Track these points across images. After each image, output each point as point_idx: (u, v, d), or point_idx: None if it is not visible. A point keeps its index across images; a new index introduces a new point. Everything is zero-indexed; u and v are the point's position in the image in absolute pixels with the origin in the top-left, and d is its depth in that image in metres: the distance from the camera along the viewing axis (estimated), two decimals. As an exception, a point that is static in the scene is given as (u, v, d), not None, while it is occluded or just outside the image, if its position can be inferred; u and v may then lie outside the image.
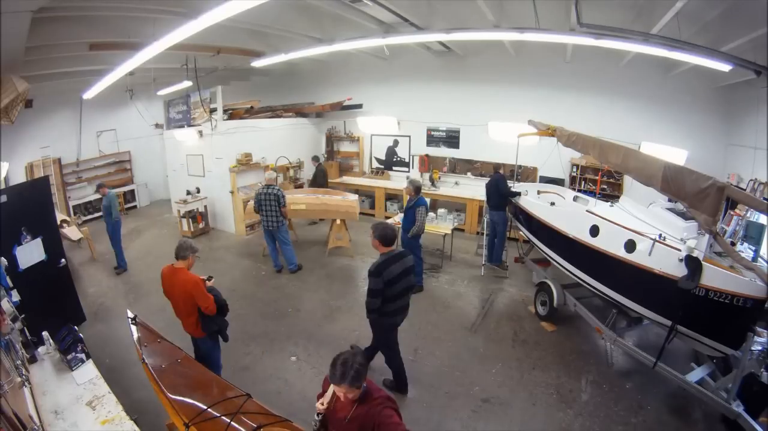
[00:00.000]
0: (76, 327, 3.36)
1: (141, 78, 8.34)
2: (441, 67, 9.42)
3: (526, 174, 8.83)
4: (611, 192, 8.13)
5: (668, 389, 4.12)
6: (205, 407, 2.50)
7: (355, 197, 8.26)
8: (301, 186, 10.74)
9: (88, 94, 8.83)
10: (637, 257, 3.90)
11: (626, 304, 4.20)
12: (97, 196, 9.34)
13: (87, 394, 2.83)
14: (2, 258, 3.74)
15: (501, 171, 7.01)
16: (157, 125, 11.23)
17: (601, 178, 8.24)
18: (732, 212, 5.62)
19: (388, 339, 4.06)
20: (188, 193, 9.31)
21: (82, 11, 5.06)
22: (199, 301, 3.43)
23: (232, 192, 8.96)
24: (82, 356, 3.15)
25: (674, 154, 7.13)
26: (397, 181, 10.64)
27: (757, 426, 3.18)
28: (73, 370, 3.07)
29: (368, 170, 11.30)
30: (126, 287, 6.61)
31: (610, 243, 4.21)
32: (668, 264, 3.60)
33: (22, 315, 3.26)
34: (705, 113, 7.32)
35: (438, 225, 7.43)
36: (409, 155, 10.61)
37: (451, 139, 9.96)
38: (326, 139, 11.72)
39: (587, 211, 4.93)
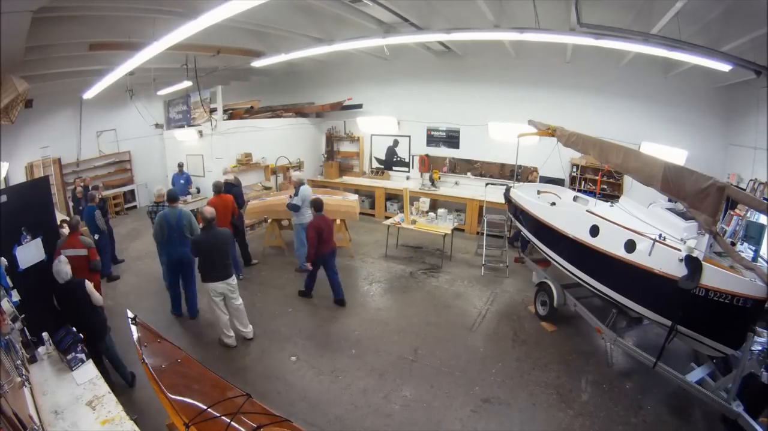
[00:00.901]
0: (74, 328, 3.36)
1: (141, 78, 8.34)
2: (441, 67, 9.42)
3: (526, 174, 8.83)
4: (611, 192, 8.13)
5: (668, 389, 4.11)
6: (205, 407, 2.50)
7: (355, 197, 8.27)
8: (300, 186, 10.73)
9: (88, 94, 8.84)
10: (637, 257, 3.90)
11: (626, 304, 4.20)
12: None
13: (87, 394, 2.83)
14: (2, 258, 3.74)
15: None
16: (157, 125, 11.23)
17: (601, 178, 8.24)
18: (732, 212, 5.62)
19: None
20: (188, 193, 9.30)
21: (82, 11, 5.06)
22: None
23: (232, 192, 8.95)
24: (82, 356, 3.15)
25: (674, 154, 7.13)
26: (397, 181, 10.64)
27: (757, 426, 3.18)
28: (73, 370, 3.07)
29: (368, 170, 11.30)
30: (126, 288, 6.60)
31: (610, 243, 4.21)
32: (668, 264, 3.60)
33: (22, 315, 3.25)
34: (705, 113, 7.32)
35: (438, 225, 7.43)
36: (409, 155, 10.62)
37: (451, 139, 9.96)
38: (326, 139, 11.73)
39: (587, 211, 4.92)
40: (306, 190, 6.85)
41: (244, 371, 4.44)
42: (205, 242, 4.71)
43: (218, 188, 6.45)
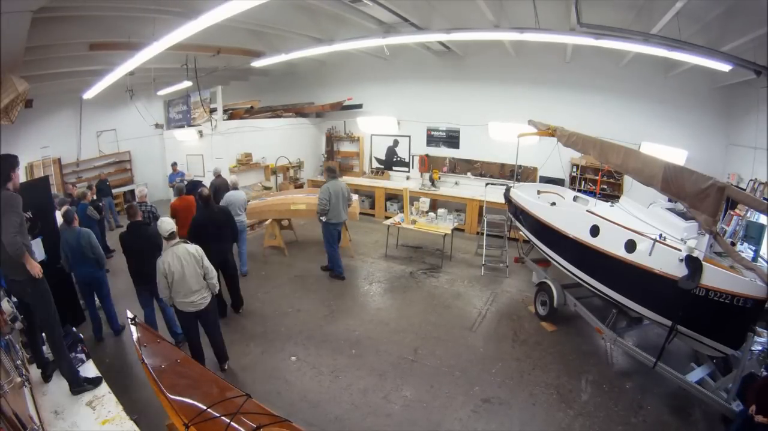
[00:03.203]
0: (74, 328, 3.36)
1: (141, 78, 8.34)
2: (441, 67, 9.42)
3: (526, 174, 8.83)
4: (611, 192, 8.13)
5: (668, 389, 4.11)
6: (205, 407, 2.50)
7: (355, 197, 8.26)
8: (300, 186, 10.75)
9: (88, 94, 8.84)
10: (638, 257, 3.90)
11: (626, 304, 4.20)
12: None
13: (87, 394, 2.83)
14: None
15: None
16: (157, 125, 11.23)
17: (601, 178, 8.24)
18: (732, 212, 5.63)
19: None
20: (188, 193, 9.31)
21: (82, 11, 5.06)
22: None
23: (232, 192, 8.95)
24: (82, 356, 3.16)
25: (674, 154, 7.13)
26: (397, 181, 10.65)
27: None
28: (73, 370, 3.07)
29: (368, 170, 11.30)
30: (126, 288, 6.60)
31: (611, 243, 4.21)
32: (668, 264, 3.60)
33: (22, 315, 3.26)
34: (705, 113, 7.32)
35: (438, 225, 7.43)
36: (409, 155, 10.61)
37: (451, 139, 9.96)
38: (326, 139, 11.73)
39: (587, 211, 4.92)
40: (231, 195, 6.57)
41: (244, 371, 4.43)
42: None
43: (180, 190, 6.61)
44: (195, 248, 3.93)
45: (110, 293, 5.18)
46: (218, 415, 2.41)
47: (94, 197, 7.58)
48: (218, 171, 8.10)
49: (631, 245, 3.99)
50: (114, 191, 11.03)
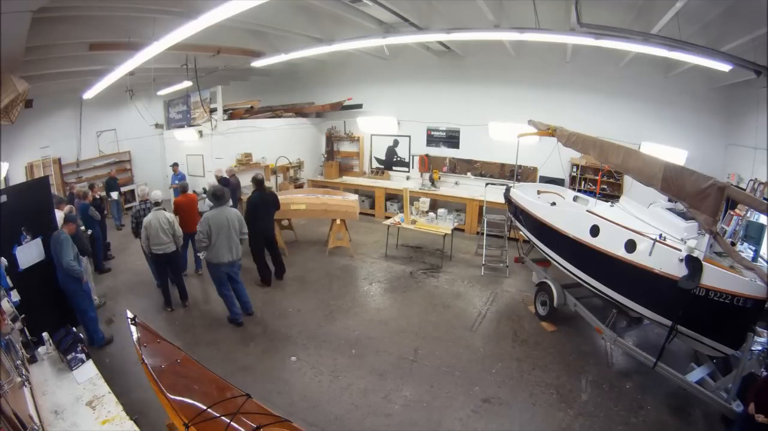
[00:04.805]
0: (74, 328, 3.36)
1: (141, 78, 8.33)
2: (441, 67, 9.42)
3: (526, 174, 8.83)
4: (611, 192, 8.13)
5: (668, 389, 4.11)
6: (205, 407, 2.50)
7: (355, 197, 8.26)
8: (300, 186, 10.75)
9: (88, 94, 8.84)
10: (638, 257, 3.90)
11: (626, 304, 4.20)
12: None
13: (87, 394, 2.83)
14: (2, 258, 3.74)
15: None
16: (157, 125, 11.23)
17: (601, 178, 8.24)
18: (732, 212, 5.63)
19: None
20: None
21: (82, 11, 5.06)
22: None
23: (232, 192, 8.96)
24: (82, 356, 3.15)
25: (674, 154, 7.13)
26: (397, 181, 10.65)
27: None
28: (72, 370, 3.07)
29: (368, 170, 11.30)
30: (125, 288, 6.61)
31: (611, 243, 4.21)
32: (668, 264, 3.60)
33: (22, 315, 3.25)
34: (705, 113, 7.33)
35: (438, 225, 7.43)
36: (409, 155, 10.62)
37: (451, 139, 9.96)
38: (326, 139, 11.73)
39: (587, 211, 4.93)
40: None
41: (244, 371, 4.43)
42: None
43: (184, 188, 6.78)
44: (171, 215, 5.54)
45: (88, 308, 4.72)
46: (218, 415, 2.41)
47: (96, 197, 7.59)
48: (233, 171, 8.42)
49: (631, 245, 3.99)
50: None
